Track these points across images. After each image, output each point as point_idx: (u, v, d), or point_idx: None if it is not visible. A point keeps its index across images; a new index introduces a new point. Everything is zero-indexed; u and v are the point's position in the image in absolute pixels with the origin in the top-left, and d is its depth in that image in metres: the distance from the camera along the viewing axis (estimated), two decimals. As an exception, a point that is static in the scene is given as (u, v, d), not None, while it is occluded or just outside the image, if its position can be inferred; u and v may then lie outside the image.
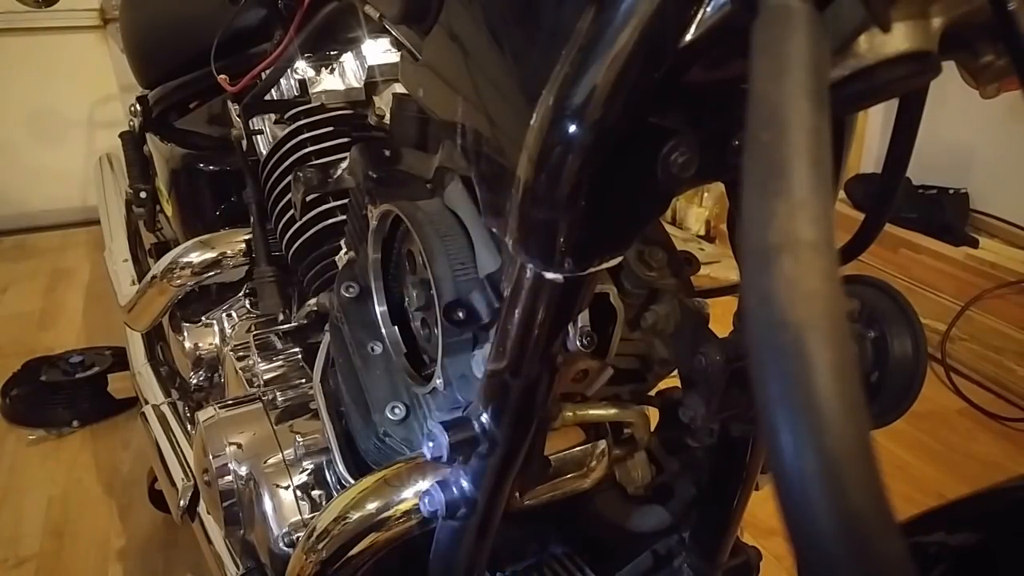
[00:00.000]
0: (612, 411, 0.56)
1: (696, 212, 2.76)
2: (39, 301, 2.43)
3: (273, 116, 0.99)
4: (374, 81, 0.88)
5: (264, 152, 0.98)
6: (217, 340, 1.10)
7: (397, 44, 0.58)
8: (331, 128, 0.88)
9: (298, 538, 0.61)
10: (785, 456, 0.18)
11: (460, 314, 0.49)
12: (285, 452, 0.69)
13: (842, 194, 2.17)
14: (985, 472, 1.65)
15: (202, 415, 0.73)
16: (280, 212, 0.90)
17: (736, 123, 0.31)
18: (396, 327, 0.63)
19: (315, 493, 0.68)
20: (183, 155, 1.25)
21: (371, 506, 0.53)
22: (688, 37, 0.30)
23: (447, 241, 0.54)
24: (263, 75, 0.86)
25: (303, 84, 0.91)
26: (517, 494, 0.54)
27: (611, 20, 0.30)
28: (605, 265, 0.37)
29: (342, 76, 0.90)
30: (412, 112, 0.68)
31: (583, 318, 0.42)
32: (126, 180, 1.44)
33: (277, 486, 0.68)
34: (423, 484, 0.52)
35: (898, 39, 0.31)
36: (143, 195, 1.38)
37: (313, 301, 0.81)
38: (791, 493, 0.18)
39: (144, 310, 1.14)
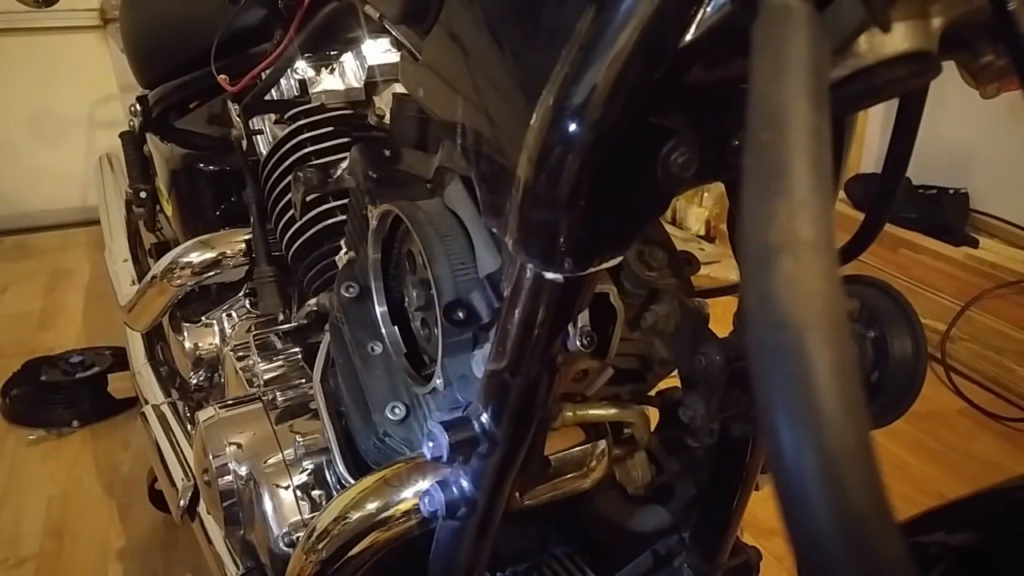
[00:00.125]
0: (612, 411, 0.56)
1: (696, 212, 2.76)
2: (39, 301, 2.43)
3: (273, 116, 0.99)
4: (374, 81, 0.88)
5: (264, 152, 0.98)
6: (217, 340, 1.10)
7: (397, 44, 0.58)
8: (331, 128, 0.88)
9: (298, 538, 0.61)
10: (785, 456, 0.18)
11: (460, 314, 0.49)
12: (285, 452, 0.69)
13: (842, 194, 2.17)
14: (985, 472, 1.65)
15: (202, 415, 0.73)
16: (280, 212, 0.90)
17: (736, 123, 0.31)
18: (396, 327, 0.63)
19: (315, 493, 0.68)
20: (183, 155, 1.25)
21: (371, 506, 0.53)
22: (688, 37, 0.30)
23: (447, 241, 0.54)
24: (263, 75, 0.86)
25: (303, 84, 0.91)
26: (517, 494, 0.54)
27: (611, 20, 0.30)
28: (605, 265, 0.37)
29: (342, 76, 0.90)
30: (412, 112, 0.68)
31: (583, 318, 0.42)
32: (126, 180, 1.44)
33: (277, 486, 0.68)
34: (423, 484, 0.52)
35: (898, 39, 0.31)
36: (143, 195, 1.38)
37: (313, 301, 0.81)
38: (791, 493, 0.18)
39: (144, 310, 1.14)
